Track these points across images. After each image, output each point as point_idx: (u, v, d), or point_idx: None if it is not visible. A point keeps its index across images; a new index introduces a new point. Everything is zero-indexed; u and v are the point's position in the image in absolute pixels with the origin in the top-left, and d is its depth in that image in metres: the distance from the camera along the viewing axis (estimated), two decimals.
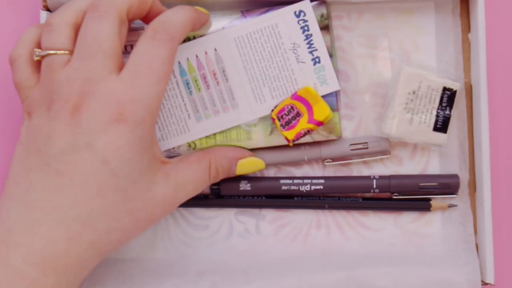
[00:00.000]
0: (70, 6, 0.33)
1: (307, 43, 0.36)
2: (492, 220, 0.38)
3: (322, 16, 0.36)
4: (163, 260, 0.39)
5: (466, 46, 0.38)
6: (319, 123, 0.36)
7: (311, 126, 0.36)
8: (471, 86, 0.38)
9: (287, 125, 0.36)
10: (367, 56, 0.38)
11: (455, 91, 0.37)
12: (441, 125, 0.37)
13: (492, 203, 0.37)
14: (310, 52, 0.36)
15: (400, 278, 0.37)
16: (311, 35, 0.36)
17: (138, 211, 0.32)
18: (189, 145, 0.37)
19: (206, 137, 0.38)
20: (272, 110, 0.37)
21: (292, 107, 0.36)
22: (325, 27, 0.37)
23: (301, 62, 0.36)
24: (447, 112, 0.37)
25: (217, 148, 0.36)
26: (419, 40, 0.38)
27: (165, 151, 0.37)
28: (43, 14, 0.38)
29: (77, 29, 0.32)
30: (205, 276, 0.38)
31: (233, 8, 0.38)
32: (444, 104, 0.37)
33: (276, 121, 0.36)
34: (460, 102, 0.38)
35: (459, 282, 0.37)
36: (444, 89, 0.37)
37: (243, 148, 0.37)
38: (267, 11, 0.37)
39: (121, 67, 0.31)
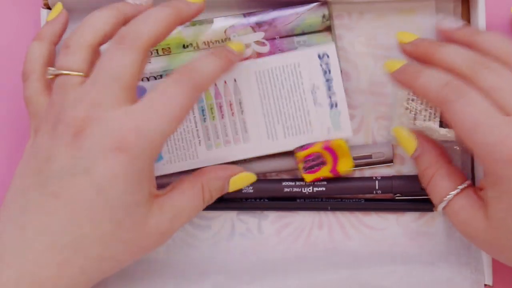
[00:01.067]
0: (89, 26, 0.33)
1: (327, 86, 0.37)
2: None
3: (324, 16, 0.37)
4: (166, 261, 0.39)
5: None
6: (338, 174, 0.37)
7: (330, 175, 0.37)
8: None
9: (309, 169, 0.37)
10: (368, 55, 0.38)
11: None
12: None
13: None
14: (329, 96, 0.37)
15: (403, 277, 0.37)
16: (331, 78, 0.36)
17: (132, 241, 0.32)
18: None
19: None
20: (299, 149, 0.37)
21: (319, 156, 0.37)
22: (327, 28, 0.37)
23: (318, 104, 0.37)
24: None
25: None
26: None
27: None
28: (44, 12, 0.38)
29: (94, 51, 0.32)
30: (208, 276, 0.38)
31: (236, 9, 0.38)
32: None
33: (301, 163, 0.37)
34: None
35: (461, 282, 0.37)
36: None
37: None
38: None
39: (133, 100, 0.31)
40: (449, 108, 0.31)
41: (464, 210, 0.33)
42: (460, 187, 0.34)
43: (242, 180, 0.37)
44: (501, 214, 0.31)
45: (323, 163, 0.37)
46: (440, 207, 0.34)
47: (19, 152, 0.38)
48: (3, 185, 0.39)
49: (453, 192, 0.34)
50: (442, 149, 0.35)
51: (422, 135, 0.36)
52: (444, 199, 0.34)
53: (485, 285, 0.36)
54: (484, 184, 0.32)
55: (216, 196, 0.36)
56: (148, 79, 0.38)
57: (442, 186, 0.34)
